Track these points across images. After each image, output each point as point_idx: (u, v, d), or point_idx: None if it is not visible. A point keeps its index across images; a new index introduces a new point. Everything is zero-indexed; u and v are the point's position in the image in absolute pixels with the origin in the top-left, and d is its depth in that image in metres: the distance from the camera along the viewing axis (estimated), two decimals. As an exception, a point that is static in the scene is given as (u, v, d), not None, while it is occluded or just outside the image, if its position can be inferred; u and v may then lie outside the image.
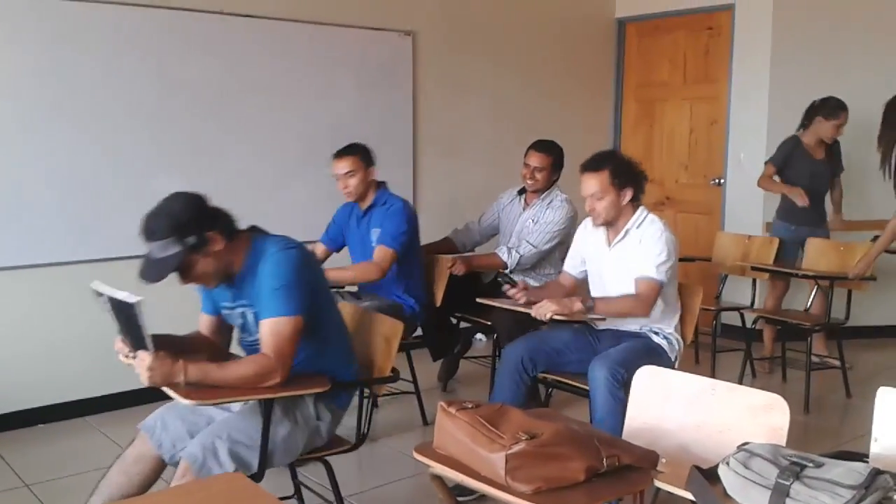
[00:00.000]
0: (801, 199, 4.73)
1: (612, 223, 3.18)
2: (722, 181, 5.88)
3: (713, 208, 5.97)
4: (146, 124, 4.21)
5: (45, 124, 3.92)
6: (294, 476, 2.86)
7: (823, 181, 4.90)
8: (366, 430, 2.71)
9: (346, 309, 2.93)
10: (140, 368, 2.15)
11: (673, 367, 3.12)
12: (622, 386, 2.84)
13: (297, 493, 2.87)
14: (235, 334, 2.63)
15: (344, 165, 3.79)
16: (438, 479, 2.02)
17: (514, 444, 1.80)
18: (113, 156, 4.12)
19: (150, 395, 3.75)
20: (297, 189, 4.72)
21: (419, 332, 4.06)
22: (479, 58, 5.58)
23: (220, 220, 2.35)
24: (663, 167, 6.30)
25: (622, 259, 3.17)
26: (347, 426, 2.68)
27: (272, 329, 2.31)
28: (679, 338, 3.25)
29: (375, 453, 3.69)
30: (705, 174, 6.04)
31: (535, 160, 4.24)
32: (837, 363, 4.57)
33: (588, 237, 3.37)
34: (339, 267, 3.83)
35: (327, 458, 2.59)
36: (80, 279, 3.96)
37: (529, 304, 3.19)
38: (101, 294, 2.19)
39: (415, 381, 4.05)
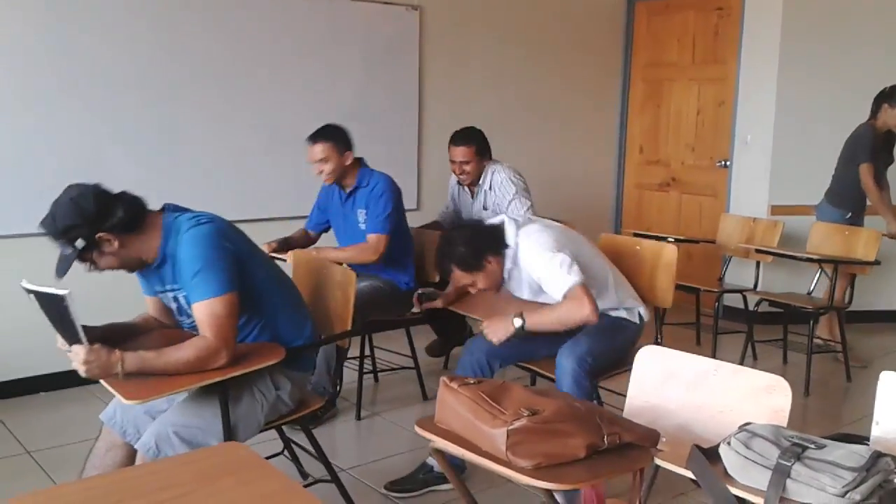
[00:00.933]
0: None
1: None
2: (728, 163, 5.86)
3: (718, 190, 5.94)
4: (149, 97, 4.19)
5: (48, 95, 3.90)
6: (281, 433, 2.84)
7: (883, 173, 4.76)
8: (338, 389, 2.66)
9: (300, 262, 2.85)
10: (76, 363, 2.10)
11: (640, 332, 3.11)
12: (588, 374, 2.82)
13: (288, 448, 2.88)
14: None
15: (317, 152, 3.70)
16: (440, 453, 2.02)
17: (515, 419, 1.80)
18: (116, 127, 4.10)
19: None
20: (302, 163, 4.68)
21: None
22: (487, 34, 5.53)
23: (112, 217, 2.21)
24: (669, 148, 6.27)
25: (524, 288, 3.03)
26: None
27: (205, 311, 2.22)
28: (635, 300, 3.11)
29: (375, 427, 3.70)
30: (711, 156, 6.01)
31: (460, 154, 4.17)
32: (839, 347, 4.57)
33: None
34: (336, 247, 3.83)
35: (310, 423, 2.61)
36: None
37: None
38: (30, 291, 2.13)
39: (414, 357, 4.06)
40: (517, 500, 2.92)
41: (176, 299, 2.38)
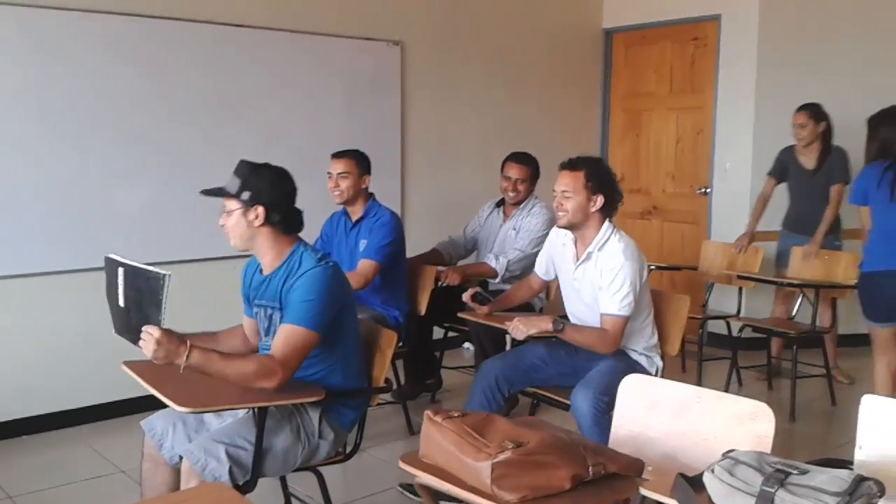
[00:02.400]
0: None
1: (576, 228, 3.10)
2: (708, 190, 5.92)
3: (699, 217, 5.99)
4: (132, 134, 4.18)
5: (34, 134, 3.90)
6: (285, 486, 2.84)
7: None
8: (358, 441, 2.70)
9: None
10: (147, 340, 2.12)
11: None
12: (606, 412, 2.82)
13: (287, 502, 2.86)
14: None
15: (340, 166, 3.83)
16: (425, 488, 2.02)
17: (500, 452, 1.80)
18: (101, 166, 4.10)
19: (134, 406, 3.79)
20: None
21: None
22: (467, 67, 5.60)
23: (282, 207, 2.45)
24: (650, 177, 6.33)
25: (583, 282, 3.14)
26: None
27: (287, 335, 2.34)
28: (658, 353, 3.22)
29: (361, 463, 3.67)
30: (692, 183, 6.07)
31: (515, 172, 4.27)
32: (823, 372, 4.60)
33: (558, 249, 3.32)
34: None
35: (318, 468, 2.59)
36: (67, 289, 4.00)
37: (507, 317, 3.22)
38: (120, 264, 2.21)
39: (401, 391, 4.04)
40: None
41: (270, 318, 2.51)
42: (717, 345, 5.22)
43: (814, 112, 4.75)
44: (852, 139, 4.61)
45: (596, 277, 3.07)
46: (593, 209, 3.06)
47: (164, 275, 2.08)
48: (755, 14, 5.53)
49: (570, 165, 3.08)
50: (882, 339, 3.78)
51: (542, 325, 3.05)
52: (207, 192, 2.49)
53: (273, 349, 2.35)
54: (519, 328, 3.04)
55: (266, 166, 2.50)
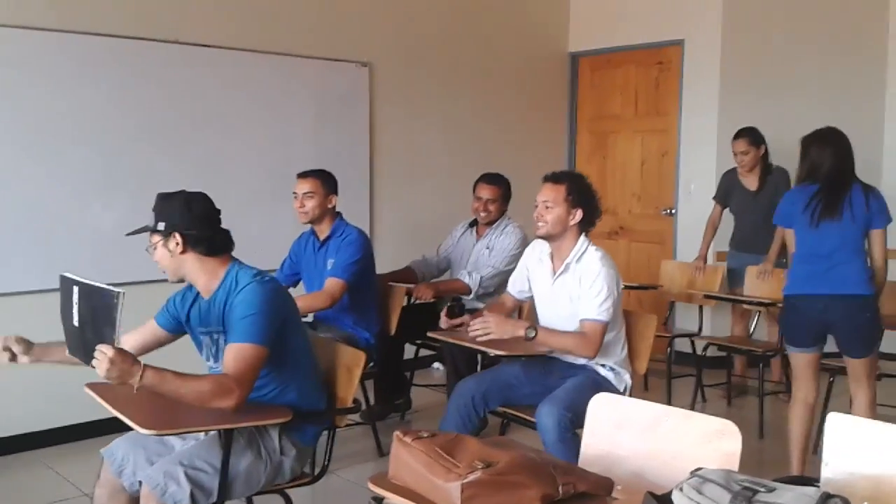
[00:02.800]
0: None
1: (553, 239, 3.17)
2: (673, 211, 6.00)
3: (665, 238, 6.07)
4: (99, 154, 4.15)
5: (1, 152, 3.85)
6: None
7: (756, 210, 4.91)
8: (326, 462, 2.68)
9: (311, 336, 2.91)
10: (101, 359, 2.08)
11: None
12: (571, 428, 2.86)
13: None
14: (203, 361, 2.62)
15: (305, 185, 3.83)
16: (394, 509, 2.00)
17: (469, 472, 1.79)
18: (68, 185, 4.06)
19: (96, 429, 3.72)
20: (252, 220, 4.66)
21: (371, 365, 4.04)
22: (435, 89, 5.63)
23: (198, 230, 2.41)
24: (616, 198, 6.39)
25: (562, 294, 3.18)
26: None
27: (236, 354, 2.31)
28: (627, 370, 3.25)
29: (330, 485, 3.63)
30: (657, 205, 6.15)
31: (487, 192, 4.31)
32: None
33: (534, 264, 3.36)
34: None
35: (286, 490, 2.56)
36: (33, 310, 3.90)
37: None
38: (75, 282, 2.19)
39: (370, 412, 4.02)
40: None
41: (217, 342, 2.49)
42: (681, 362, 5.27)
43: (753, 138, 4.87)
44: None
45: (574, 287, 3.11)
46: (572, 222, 3.14)
47: (119, 293, 2.05)
48: (717, 38, 5.65)
49: (554, 178, 3.18)
50: (802, 366, 3.60)
51: (514, 329, 3.06)
52: (133, 233, 2.50)
53: (225, 368, 2.31)
54: (488, 328, 3.04)
55: (178, 193, 2.48)
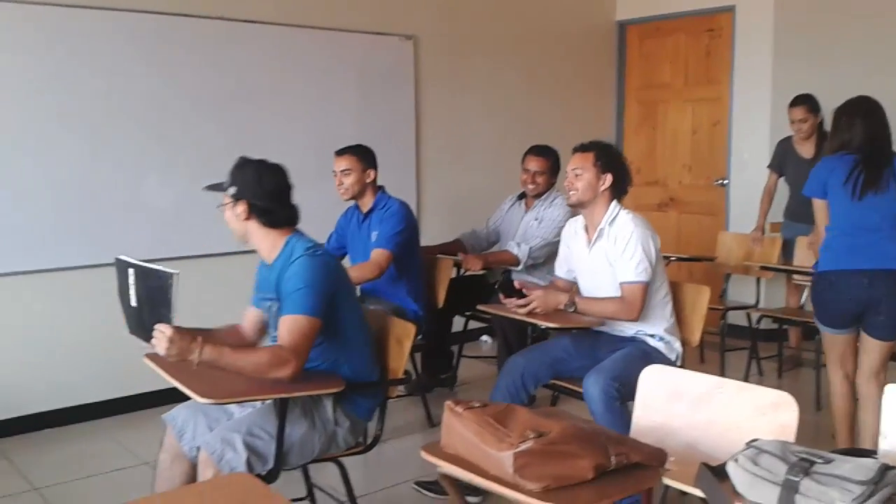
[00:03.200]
0: None
1: (585, 206, 3.18)
2: (725, 181, 5.89)
3: (717, 209, 5.97)
4: (147, 130, 4.22)
5: (46, 131, 3.93)
6: (307, 478, 2.86)
7: None
8: (379, 432, 2.72)
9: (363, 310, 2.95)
10: (160, 339, 2.17)
11: None
12: (618, 398, 2.84)
13: (310, 495, 2.88)
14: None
15: (342, 163, 3.85)
16: (447, 478, 2.02)
17: (521, 442, 1.80)
18: (114, 162, 4.13)
19: (156, 399, 3.83)
20: (299, 195, 4.69)
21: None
22: (481, 61, 5.59)
23: (264, 202, 2.48)
24: (666, 169, 6.30)
25: (600, 260, 3.18)
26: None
27: (290, 325, 2.36)
28: (677, 338, 3.22)
29: (382, 454, 3.69)
30: (709, 175, 6.05)
31: (535, 164, 4.28)
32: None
33: (571, 239, 3.37)
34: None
35: (341, 459, 2.61)
36: (85, 284, 4.03)
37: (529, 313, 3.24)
38: (130, 265, 2.26)
39: (417, 383, 4.05)
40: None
41: (270, 310, 2.56)
42: (735, 335, 5.21)
43: (811, 105, 4.74)
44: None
45: (610, 249, 3.12)
46: (602, 187, 3.14)
47: (172, 273, 2.11)
48: (769, 3, 5.50)
49: (581, 147, 3.23)
50: (839, 348, 3.36)
51: (556, 301, 3.12)
52: (208, 188, 2.59)
53: (280, 340, 2.37)
54: (533, 303, 3.11)
55: (256, 162, 2.55)
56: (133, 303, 2.30)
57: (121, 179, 4.15)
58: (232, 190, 2.49)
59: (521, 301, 3.15)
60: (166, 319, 2.16)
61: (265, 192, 2.49)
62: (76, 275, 4.02)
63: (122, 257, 2.34)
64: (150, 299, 2.23)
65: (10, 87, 3.83)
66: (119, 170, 4.14)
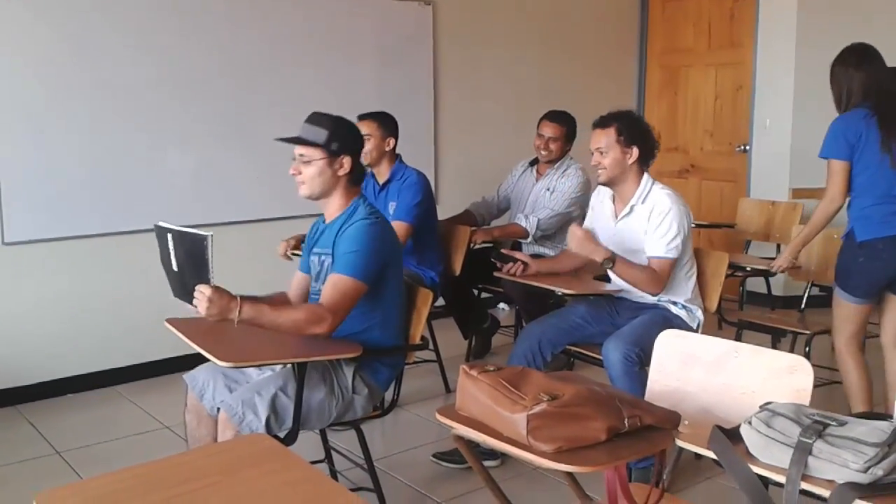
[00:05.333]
0: None
1: (615, 183, 3.13)
2: (748, 148, 5.81)
3: (738, 175, 5.90)
4: (173, 98, 4.23)
5: (74, 99, 3.95)
6: (325, 441, 2.90)
7: None
8: (396, 396, 2.74)
9: None
10: (200, 298, 2.19)
11: None
12: (638, 363, 2.84)
13: (328, 458, 2.92)
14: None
15: (363, 128, 3.79)
16: (462, 440, 2.04)
17: (535, 404, 1.80)
18: (139, 130, 4.15)
19: (178, 365, 3.88)
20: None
21: (440, 301, 4.08)
22: (500, 26, 5.53)
23: (357, 160, 2.58)
24: (688, 134, 6.23)
25: (628, 233, 3.14)
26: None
27: (335, 283, 2.42)
28: (699, 306, 3.22)
29: (399, 419, 3.73)
30: (731, 141, 5.97)
31: (549, 130, 4.24)
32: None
33: (597, 208, 3.35)
34: None
35: (359, 423, 2.64)
36: (107, 251, 4.07)
37: (537, 275, 3.29)
38: (168, 230, 2.29)
39: (436, 350, 4.07)
40: (544, 486, 2.93)
41: (323, 263, 2.59)
42: (754, 303, 5.16)
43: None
44: None
45: (642, 224, 3.08)
46: (630, 161, 3.09)
47: (207, 235, 2.14)
48: (796, -35, 5.38)
49: (601, 123, 3.13)
50: (859, 320, 3.24)
51: (593, 252, 3.01)
52: (287, 140, 2.53)
53: (322, 297, 2.42)
54: (571, 241, 3.06)
55: (343, 119, 2.60)
56: (175, 267, 2.33)
57: (143, 148, 4.17)
58: (335, 145, 2.51)
59: (511, 263, 3.18)
60: (205, 280, 2.20)
61: (358, 150, 2.59)
62: (98, 242, 4.07)
63: (161, 223, 2.36)
64: (189, 262, 2.26)
65: (38, 53, 3.84)
66: (142, 138, 4.16)
